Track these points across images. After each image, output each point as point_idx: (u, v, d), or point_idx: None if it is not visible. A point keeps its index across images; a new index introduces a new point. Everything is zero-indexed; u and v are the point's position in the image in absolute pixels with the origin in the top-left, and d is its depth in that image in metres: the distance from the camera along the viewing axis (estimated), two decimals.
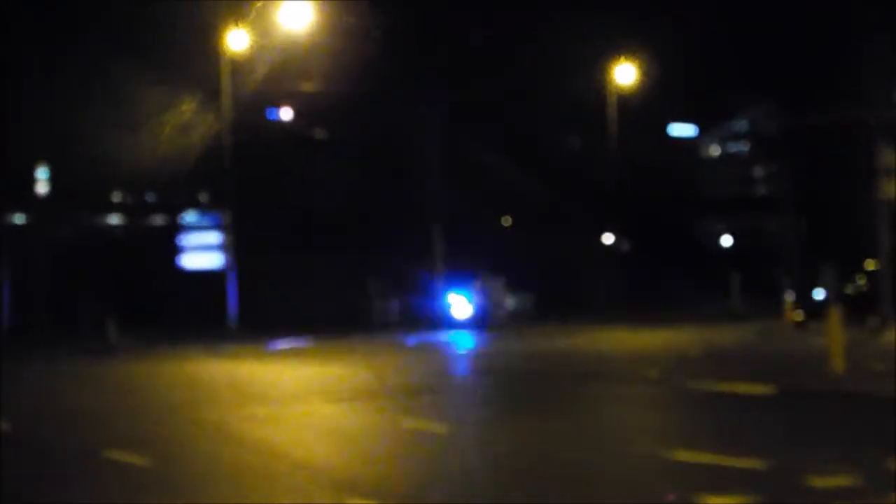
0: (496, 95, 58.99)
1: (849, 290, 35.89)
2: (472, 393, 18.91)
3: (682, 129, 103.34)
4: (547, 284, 52.91)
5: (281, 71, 44.96)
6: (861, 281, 36.54)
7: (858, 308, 31.70)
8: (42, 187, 44.52)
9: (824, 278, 24.64)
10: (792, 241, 56.30)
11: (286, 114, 54.23)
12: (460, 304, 41.71)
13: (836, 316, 16.46)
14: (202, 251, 44.13)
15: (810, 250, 47.72)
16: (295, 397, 17.40)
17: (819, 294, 35.47)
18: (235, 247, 40.85)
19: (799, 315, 33.46)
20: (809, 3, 67.65)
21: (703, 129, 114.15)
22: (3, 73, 39.85)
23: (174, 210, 54.60)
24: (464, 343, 33.14)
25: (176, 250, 47.93)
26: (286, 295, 45.23)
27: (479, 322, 41.56)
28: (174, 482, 9.70)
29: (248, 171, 42.66)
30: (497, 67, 59.88)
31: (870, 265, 36.71)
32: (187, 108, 43.95)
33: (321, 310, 44.94)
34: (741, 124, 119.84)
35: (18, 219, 47.53)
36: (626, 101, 51.07)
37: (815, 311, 32.77)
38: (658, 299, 49.34)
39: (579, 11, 57.94)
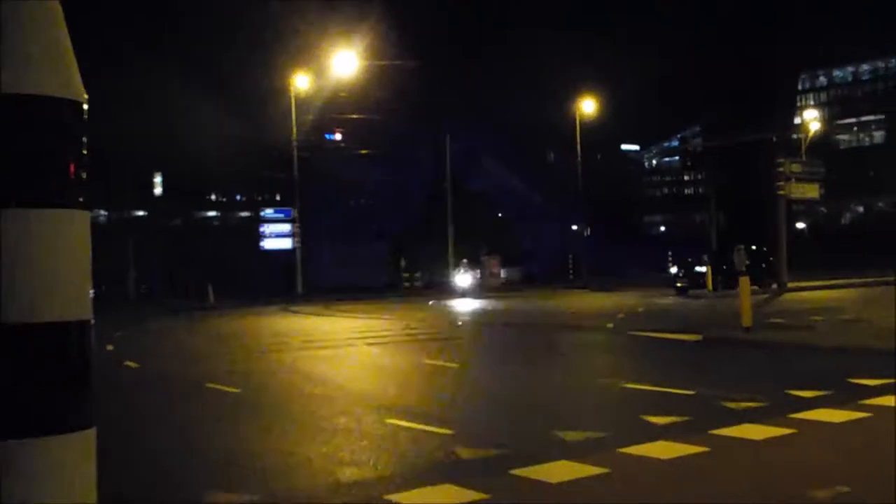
0: (496, 121, 59.44)
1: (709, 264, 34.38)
2: (474, 339, 18.91)
3: (630, 147, 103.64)
4: (531, 261, 53.21)
5: (334, 103, 45.14)
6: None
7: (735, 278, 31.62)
8: (157, 189, 44.76)
9: (737, 256, 24.14)
10: (712, 228, 56.05)
11: (338, 136, 54.37)
12: (464, 276, 41.69)
13: (745, 284, 16.36)
14: (277, 237, 44.34)
15: (726, 235, 47.35)
16: (346, 342, 17.45)
17: (699, 268, 33.44)
18: (302, 233, 41.20)
19: (680, 282, 32.74)
20: (727, 50, 68.43)
21: (645, 146, 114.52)
22: (126, 103, 39.96)
23: (256, 206, 54.81)
24: (468, 304, 33.14)
25: (257, 236, 48.14)
26: (339, 269, 45.58)
27: (479, 289, 41.52)
28: (259, 406, 9.73)
29: (311, 177, 42.87)
30: (498, 101, 60.36)
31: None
32: (268, 132, 44.28)
33: (364, 279, 45.23)
34: (674, 143, 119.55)
35: (141, 213, 47.88)
36: (588, 126, 51.06)
37: (696, 281, 32.19)
38: (613, 272, 49.38)
39: (557, 56, 58.45)
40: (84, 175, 1.77)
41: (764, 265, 33.02)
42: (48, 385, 1.70)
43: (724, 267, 31.94)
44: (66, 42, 1.75)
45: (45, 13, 1.71)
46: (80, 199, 1.75)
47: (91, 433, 1.77)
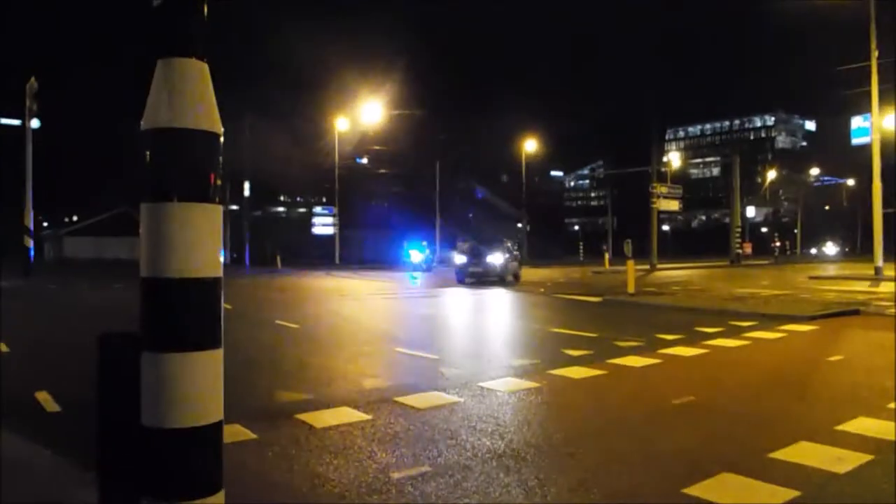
0: (474, 153, 59.31)
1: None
2: (449, 296, 18.86)
3: (556, 172, 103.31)
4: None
5: (362, 137, 44.88)
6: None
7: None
8: (246, 192, 44.33)
9: (626, 247, 23.06)
10: (608, 229, 56.29)
11: (364, 159, 53.97)
12: (415, 256, 33.99)
13: (630, 265, 16.45)
14: (323, 225, 44.14)
15: (618, 234, 47.46)
16: (368, 296, 17.37)
17: (493, 258, 21.62)
18: (339, 224, 41.22)
19: (469, 269, 21.94)
20: (622, 114, 68.68)
21: (567, 173, 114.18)
22: (228, 134, 39.16)
23: (310, 204, 54.39)
24: (447, 274, 32.90)
25: (310, 224, 47.84)
26: (362, 248, 45.36)
27: (428, 266, 34.53)
28: (311, 336, 9.72)
29: (347, 187, 42.74)
30: (474, 140, 60.03)
31: (628, 244, 34.82)
32: (318, 154, 43.88)
33: (378, 256, 44.95)
34: (586, 171, 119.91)
35: (234, 207, 47.44)
36: (530, 159, 51.07)
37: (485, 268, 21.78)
38: (546, 255, 49.50)
39: (512, 112, 58.35)
40: (219, 181, 1.76)
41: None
42: (199, 317, 1.70)
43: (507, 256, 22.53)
44: (211, 92, 1.74)
45: (199, 71, 1.70)
46: (217, 197, 1.75)
47: (220, 352, 1.77)
